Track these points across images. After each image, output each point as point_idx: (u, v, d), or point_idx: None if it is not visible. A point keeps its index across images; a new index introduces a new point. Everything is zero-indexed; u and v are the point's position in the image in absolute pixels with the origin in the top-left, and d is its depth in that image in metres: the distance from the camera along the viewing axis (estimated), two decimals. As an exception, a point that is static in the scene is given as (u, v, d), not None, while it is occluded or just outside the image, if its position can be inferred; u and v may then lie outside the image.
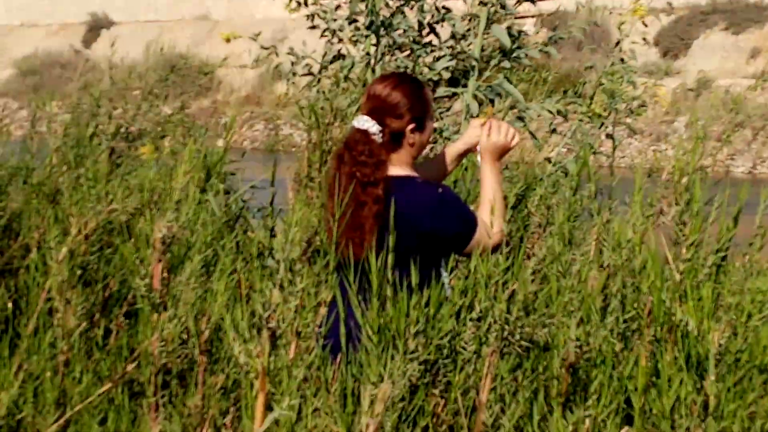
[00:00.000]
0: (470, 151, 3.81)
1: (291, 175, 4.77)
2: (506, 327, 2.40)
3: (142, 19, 52.01)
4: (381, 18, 5.98)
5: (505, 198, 4.54)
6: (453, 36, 6.02)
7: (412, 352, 2.28)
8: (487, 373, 2.39)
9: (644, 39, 5.94)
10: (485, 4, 5.94)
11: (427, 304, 2.42)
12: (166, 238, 2.76)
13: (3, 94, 47.48)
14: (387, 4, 6.04)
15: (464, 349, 2.45)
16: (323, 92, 5.76)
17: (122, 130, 4.69)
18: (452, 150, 3.85)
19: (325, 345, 2.68)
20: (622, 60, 5.86)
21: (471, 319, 2.44)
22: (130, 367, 2.84)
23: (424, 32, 6.12)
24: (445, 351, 2.43)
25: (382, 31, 6.00)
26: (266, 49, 6.39)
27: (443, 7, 6.09)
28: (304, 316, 2.45)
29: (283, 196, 4.79)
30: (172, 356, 2.75)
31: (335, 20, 6.18)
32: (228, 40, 6.56)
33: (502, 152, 3.68)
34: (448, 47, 6.03)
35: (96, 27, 53.58)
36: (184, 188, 2.99)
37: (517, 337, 2.43)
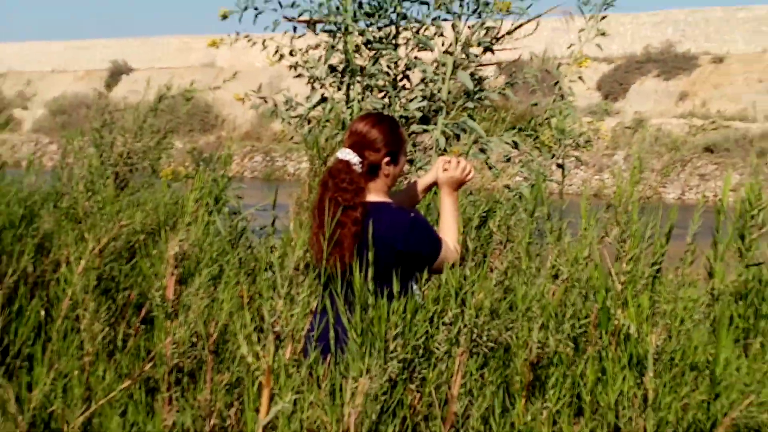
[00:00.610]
0: (435, 184, 3.83)
1: (293, 200, 4.76)
2: (474, 330, 2.39)
3: (157, 66, 52.08)
4: (356, 65, 6.00)
5: (470, 219, 4.55)
6: (424, 80, 6.04)
7: (392, 352, 2.27)
8: (458, 370, 2.38)
9: (580, 78, 5.95)
10: (451, 54, 5.97)
11: (404, 311, 2.42)
12: (179, 254, 2.75)
13: (36, 130, 47.44)
14: (360, 54, 6.06)
15: (437, 349, 2.44)
16: (317, 128, 5.77)
17: (122, 157, 4.67)
18: (421, 182, 3.87)
19: (317, 347, 2.67)
20: (562, 96, 5.89)
21: (444, 323, 2.43)
22: (147, 366, 2.82)
23: (399, 77, 6.15)
24: (420, 351, 2.42)
25: (358, 77, 6.01)
26: (263, 98, 6.40)
27: (415, 57, 6.12)
28: (298, 322, 2.44)
29: (278, 218, 4.78)
30: (183, 357, 2.73)
31: (313, 67, 6.19)
32: (241, 101, 6.56)
33: (458, 185, 3.71)
34: (420, 90, 6.04)
35: (117, 73, 53.68)
36: (194, 211, 2.98)
37: (484, 338, 2.43)
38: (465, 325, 2.37)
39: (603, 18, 5.58)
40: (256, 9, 6.07)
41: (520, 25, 5.98)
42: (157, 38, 54.95)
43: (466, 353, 2.37)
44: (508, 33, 6.02)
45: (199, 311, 2.74)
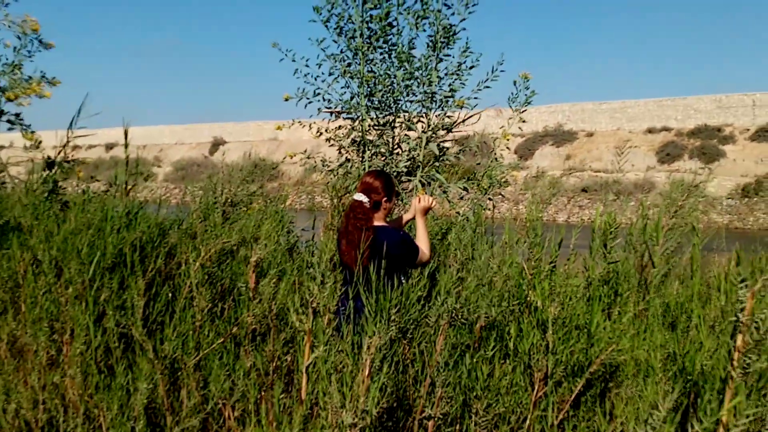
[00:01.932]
0: (411, 219, 3.87)
1: (322, 224, 4.76)
2: (453, 311, 2.37)
3: (242, 140, 52.19)
4: (368, 138, 6.01)
5: (437, 234, 4.54)
6: (409, 149, 6.04)
7: (392, 321, 2.25)
8: (441, 333, 2.35)
9: (508, 148, 5.94)
10: (426, 132, 5.97)
11: (399, 296, 2.40)
12: (257, 259, 2.73)
13: (165, 180, 47.46)
14: (370, 132, 6.07)
15: (428, 322, 2.41)
16: (342, 178, 5.77)
17: (228, 200, 4.65)
18: (405, 217, 3.90)
19: (345, 317, 2.66)
20: (496, 159, 5.90)
21: (431, 306, 2.40)
22: (235, 329, 2.80)
23: (393, 147, 6.15)
24: (410, 320, 2.40)
25: (369, 147, 6.02)
26: (308, 158, 6.39)
27: (405, 134, 6.12)
28: (327, 300, 2.42)
29: (316, 235, 4.77)
30: (258, 323, 2.72)
31: (340, 140, 6.20)
32: (291, 156, 6.58)
33: (426, 210, 3.72)
34: (406, 154, 6.04)
35: (216, 144, 53.72)
36: (268, 232, 2.96)
37: (459, 316, 2.40)
38: (447, 309, 2.35)
39: (524, 111, 5.60)
40: (308, 99, 6.08)
41: (469, 116, 6.00)
42: (242, 123, 55.03)
43: (447, 324, 2.35)
44: (462, 122, 6.03)
45: (269, 295, 2.73)
